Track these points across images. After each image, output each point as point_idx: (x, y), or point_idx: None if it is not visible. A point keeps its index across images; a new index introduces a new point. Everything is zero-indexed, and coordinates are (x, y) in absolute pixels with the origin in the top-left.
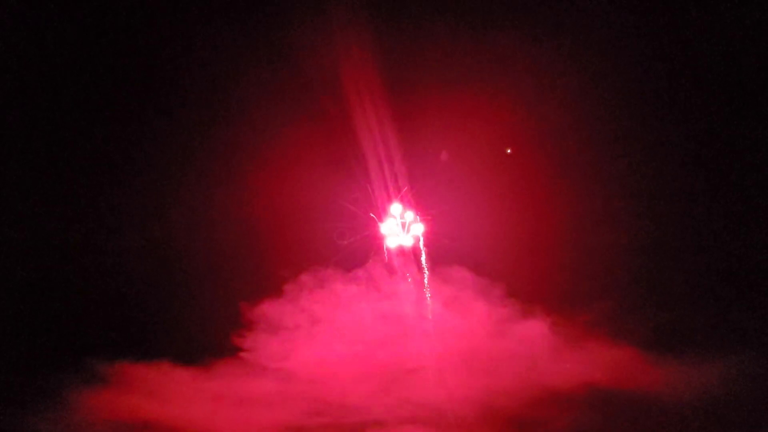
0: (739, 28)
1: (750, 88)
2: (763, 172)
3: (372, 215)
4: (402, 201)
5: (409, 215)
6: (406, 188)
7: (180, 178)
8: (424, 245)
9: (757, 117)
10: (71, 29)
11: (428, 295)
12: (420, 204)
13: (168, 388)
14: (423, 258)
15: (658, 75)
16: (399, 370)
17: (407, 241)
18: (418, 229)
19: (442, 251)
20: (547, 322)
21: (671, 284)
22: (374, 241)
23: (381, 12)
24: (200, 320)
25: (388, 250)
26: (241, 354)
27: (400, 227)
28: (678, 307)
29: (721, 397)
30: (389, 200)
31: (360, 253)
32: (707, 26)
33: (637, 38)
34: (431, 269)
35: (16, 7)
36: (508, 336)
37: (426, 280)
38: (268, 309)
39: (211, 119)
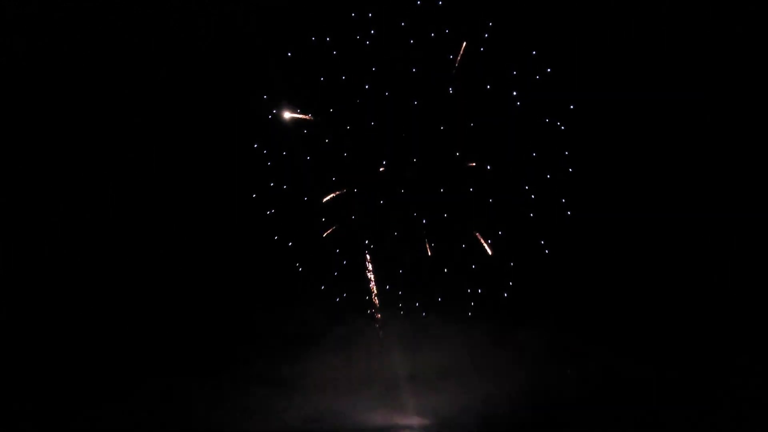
0: None
1: None
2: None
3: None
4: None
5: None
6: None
7: (184, 187)
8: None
9: None
10: None
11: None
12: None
13: (168, 396)
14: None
15: None
16: (397, 377)
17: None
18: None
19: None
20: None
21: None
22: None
23: None
24: (201, 330)
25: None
26: (241, 362)
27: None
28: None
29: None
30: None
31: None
32: None
33: None
34: (428, 278)
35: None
36: (507, 343)
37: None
38: (268, 318)
39: (217, 119)
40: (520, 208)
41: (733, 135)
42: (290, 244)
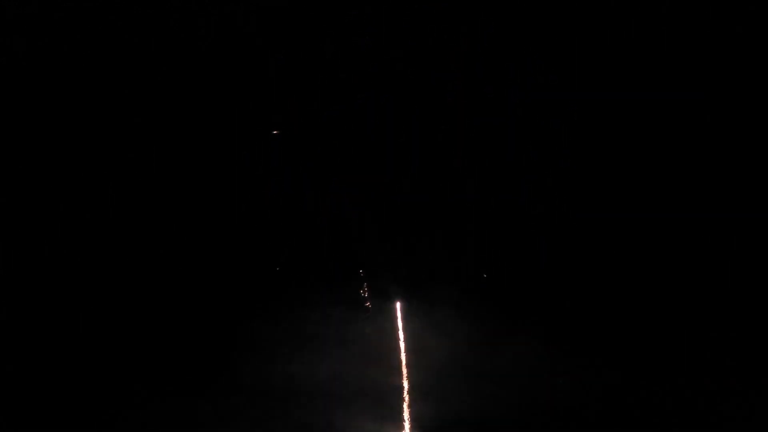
0: None
1: None
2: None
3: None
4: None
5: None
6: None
7: (182, 188)
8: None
9: None
10: None
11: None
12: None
13: (151, 407)
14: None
15: None
16: (388, 388)
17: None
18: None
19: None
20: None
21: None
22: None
23: None
24: (184, 338)
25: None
26: (226, 372)
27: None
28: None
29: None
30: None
31: (349, 270)
32: None
33: None
34: (420, 284)
35: None
36: (501, 352)
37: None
38: (253, 327)
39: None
40: (519, 210)
41: (733, 135)
42: (277, 269)
